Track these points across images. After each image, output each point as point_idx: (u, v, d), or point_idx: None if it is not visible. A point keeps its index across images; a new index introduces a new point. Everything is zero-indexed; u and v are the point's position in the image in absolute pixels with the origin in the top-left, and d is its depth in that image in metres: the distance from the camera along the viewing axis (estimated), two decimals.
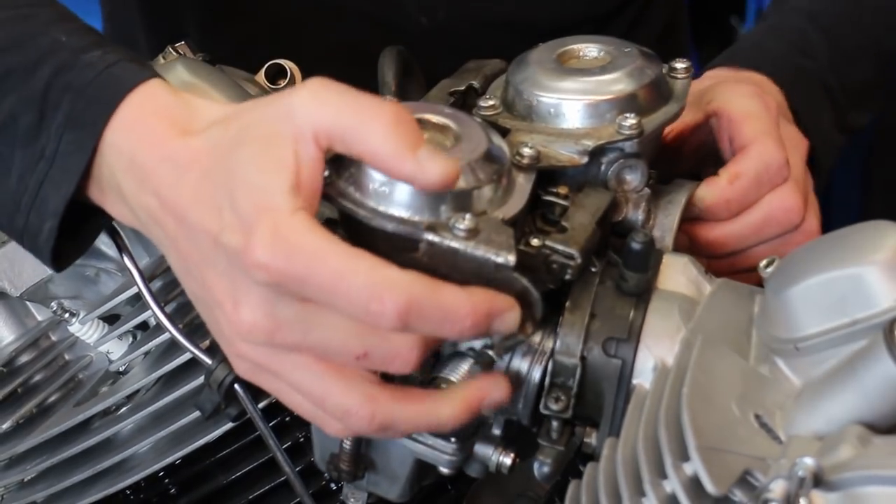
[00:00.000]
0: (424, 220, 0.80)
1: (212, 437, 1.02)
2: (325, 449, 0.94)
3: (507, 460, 0.91)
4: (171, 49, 1.09)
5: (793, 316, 0.82)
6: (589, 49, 0.99)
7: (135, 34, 1.46)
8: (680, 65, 0.99)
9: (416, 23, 1.37)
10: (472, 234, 0.80)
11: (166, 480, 1.06)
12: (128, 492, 1.07)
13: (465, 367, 0.86)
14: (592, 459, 0.88)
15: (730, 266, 1.08)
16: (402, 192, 0.81)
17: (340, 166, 0.83)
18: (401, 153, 0.78)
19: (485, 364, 0.86)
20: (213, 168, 0.79)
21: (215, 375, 0.94)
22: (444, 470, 0.90)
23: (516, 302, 0.81)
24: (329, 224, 0.84)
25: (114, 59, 0.86)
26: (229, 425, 1.00)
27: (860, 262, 0.80)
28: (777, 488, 0.72)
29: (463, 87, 0.99)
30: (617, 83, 0.94)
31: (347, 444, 0.92)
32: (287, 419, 1.03)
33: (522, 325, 0.82)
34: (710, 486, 0.74)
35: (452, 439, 0.88)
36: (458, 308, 0.78)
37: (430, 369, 0.87)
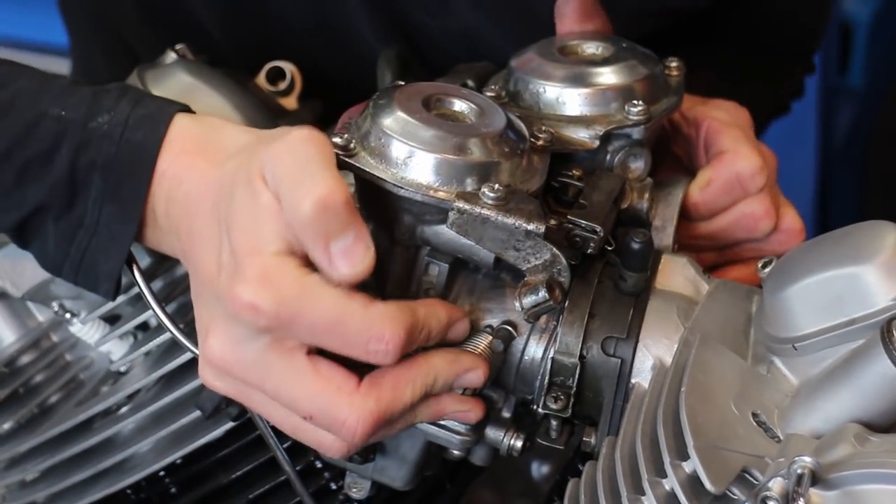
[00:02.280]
0: (453, 190, 0.83)
1: (212, 436, 1.02)
2: None
3: (518, 443, 0.91)
4: (171, 51, 1.09)
5: (790, 315, 0.83)
6: (587, 45, 1.02)
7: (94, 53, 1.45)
8: (673, 63, 1.02)
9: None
10: (502, 202, 0.82)
11: (167, 480, 1.06)
12: (128, 491, 1.07)
13: (484, 342, 0.87)
14: (591, 458, 0.88)
15: (710, 260, 1.10)
16: (430, 163, 0.83)
17: (363, 137, 0.84)
18: (316, 243, 0.78)
19: (504, 338, 0.88)
20: (218, 203, 0.82)
21: None
22: (456, 452, 0.91)
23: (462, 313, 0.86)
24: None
25: (121, 118, 0.87)
26: (230, 425, 1.00)
27: (857, 261, 0.80)
28: (775, 486, 0.72)
29: (458, 85, 1.00)
30: (622, 72, 0.97)
31: None
32: None
33: (553, 292, 0.84)
34: (708, 485, 0.74)
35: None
36: (434, 322, 0.83)
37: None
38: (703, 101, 1.11)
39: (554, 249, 0.83)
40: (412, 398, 0.83)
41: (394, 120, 0.85)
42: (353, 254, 0.78)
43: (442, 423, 0.89)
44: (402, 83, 0.92)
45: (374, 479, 0.95)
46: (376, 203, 0.85)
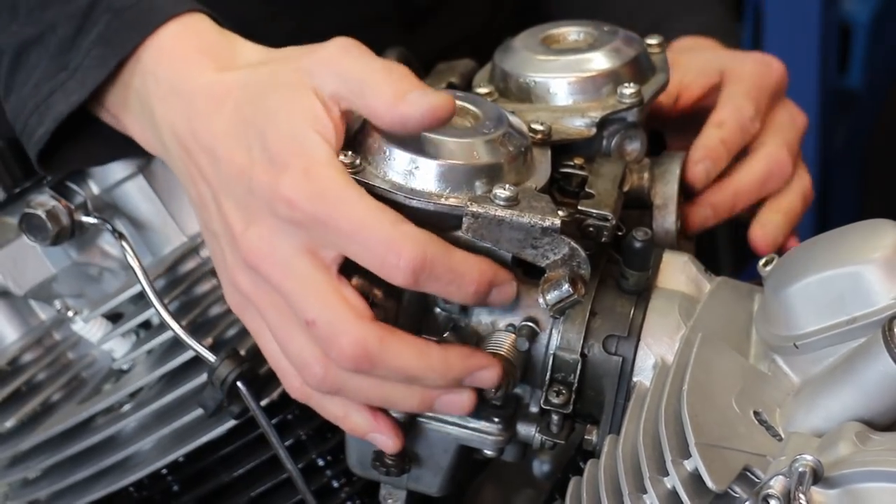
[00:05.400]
0: (464, 196, 0.83)
1: (214, 434, 1.02)
2: (363, 452, 0.94)
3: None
4: None
5: (792, 314, 0.83)
6: (570, 32, 1.02)
7: None
8: (653, 40, 1.03)
9: None
10: (514, 202, 0.83)
11: (169, 478, 1.07)
12: (131, 489, 1.07)
13: (508, 340, 0.88)
14: (593, 457, 0.88)
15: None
16: (438, 171, 0.83)
17: (366, 152, 0.85)
18: (392, 102, 0.81)
19: (527, 335, 0.88)
20: (244, 105, 0.83)
21: (218, 373, 0.94)
22: (489, 452, 0.91)
23: (512, 276, 0.85)
24: None
25: None
26: (232, 423, 1.00)
27: (859, 260, 0.81)
28: (777, 484, 0.72)
29: (443, 86, 1.00)
30: (609, 57, 0.98)
31: None
32: (289, 417, 1.03)
33: (576, 285, 0.84)
34: (710, 483, 0.74)
35: (496, 419, 0.89)
36: (466, 272, 0.82)
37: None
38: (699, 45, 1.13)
39: (572, 243, 0.84)
40: (415, 371, 0.82)
41: (395, 132, 0.85)
42: (429, 94, 0.82)
43: (473, 425, 0.90)
44: None
45: (410, 489, 0.95)
46: None
